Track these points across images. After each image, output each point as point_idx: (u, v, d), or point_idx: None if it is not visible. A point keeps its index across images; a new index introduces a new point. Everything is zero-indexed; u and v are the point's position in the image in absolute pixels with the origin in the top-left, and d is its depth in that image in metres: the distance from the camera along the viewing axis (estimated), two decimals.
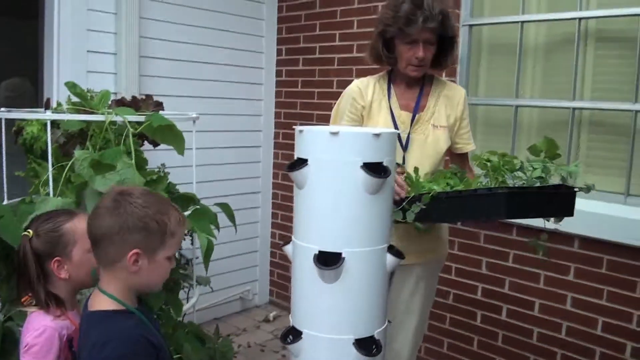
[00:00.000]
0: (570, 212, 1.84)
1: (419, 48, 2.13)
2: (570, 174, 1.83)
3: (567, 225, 2.89)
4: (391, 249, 1.56)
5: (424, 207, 1.75)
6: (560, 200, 1.80)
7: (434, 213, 1.79)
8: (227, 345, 2.37)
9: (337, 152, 1.43)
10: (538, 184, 1.78)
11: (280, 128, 4.37)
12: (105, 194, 1.54)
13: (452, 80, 3.31)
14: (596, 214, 2.84)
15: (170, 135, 2.00)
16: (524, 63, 3.25)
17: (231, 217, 2.37)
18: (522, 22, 3.19)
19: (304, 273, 1.51)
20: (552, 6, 3.15)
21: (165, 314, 2.27)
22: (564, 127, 3.08)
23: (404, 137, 2.21)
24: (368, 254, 1.48)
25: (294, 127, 1.64)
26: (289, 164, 1.48)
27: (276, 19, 4.31)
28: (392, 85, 2.28)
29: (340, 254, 1.45)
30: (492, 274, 3.27)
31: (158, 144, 2.30)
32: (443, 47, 2.22)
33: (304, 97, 4.17)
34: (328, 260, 1.45)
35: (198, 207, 2.20)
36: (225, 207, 2.36)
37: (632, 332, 2.80)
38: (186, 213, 2.15)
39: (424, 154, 2.22)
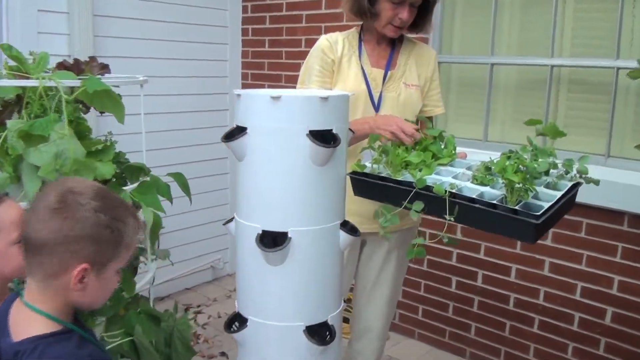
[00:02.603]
0: (573, 205, 1.74)
1: (404, 9, 1.99)
2: (581, 174, 1.69)
3: None
4: (345, 226, 1.41)
5: (451, 219, 1.56)
6: (572, 200, 1.68)
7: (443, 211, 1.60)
8: (185, 323, 2.23)
9: (279, 119, 1.26)
10: (552, 185, 1.66)
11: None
12: (48, 187, 1.25)
13: (425, 38, 3.15)
14: None
15: (109, 101, 1.81)
16: (500, 18, 3.08)
17: (185, 188, 2.20)
18: None
19: (248, 255, 1.35)
20: None
21: (115, 293, 2.11)
22: (542, 85, 2.94)
23: (375, 95, 2.09)
24: (318, 232, 1.33)
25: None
26: (226, 133, 1.30)
27: None
28: (362, 42, 2.13)
29: (285, 233, 1.29)
30: (467, 239, 3.16)
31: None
32: (424, 10, 2.08)
33: (272, 56, 3.98)
34: (272, 241, 1.29)
35: (147, 178, 2.03)
36: (177, 177, 2.19)
37: (613, 298, 2.72)
38: (132, 186, 1.99)
39: (397, 113, 2.07)
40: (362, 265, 2.22)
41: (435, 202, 1.58)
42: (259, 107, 1.26)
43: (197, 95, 3.91)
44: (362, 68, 2.09)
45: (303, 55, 3.66)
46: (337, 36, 2.13)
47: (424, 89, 2.16)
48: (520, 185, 1.54)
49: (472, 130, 3.21)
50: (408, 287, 3.41)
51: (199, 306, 3.86)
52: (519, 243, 2.98)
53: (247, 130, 1.27)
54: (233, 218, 1.43)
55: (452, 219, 1.57)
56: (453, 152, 1.89)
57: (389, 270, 2.23)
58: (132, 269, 2.29)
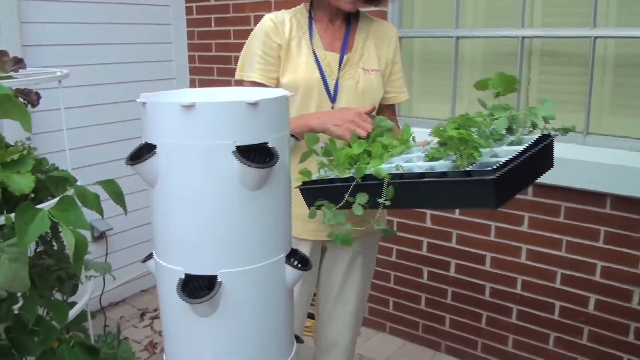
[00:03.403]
0: (552, 163, 1.47)
1: None
2: (546, 120, 1.43)
3: None
4: (293, 257, 1.13)
5: (387, 202, 1.34)
6: (544, 155, 1.41)
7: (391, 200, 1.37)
8: (128, 351, 1.98)
9: (196, 134, 0.96)
10: (517, 143, 1.40)
11: (196, 74, 3.86)
12: None
13: (383, 11, 2.88)
14: None
15: (12, 107, 1.51)
16: None
17: (117, 197, 1.91)
18: None
19: (172, 303, 1.06)
20: None
21: (45, 324, 1.81)
22: (512, 58, 2.69)
23: (331, 83, 1.80)
24: (256, 272, 1.05)
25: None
26: (131, 154, 1.01)
27: None
28: (312, 21, 1.84)
29: (214, 277, 1.01)
30: (438, 227, 2.95)
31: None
32: None
33: (219, 36, 3.66)
34: (198, 287, 1.02)
35: (67, 193, 1.74)
36: (108, 185, 1.89)
37: (595, 284, 2.54)
38: (50, 203, 1.70)
39: (356, 104, 1.80)
40: (324, 275, 1.98)
41: (382, 192, 1.36)
42: (169, 118, 0.96)
43: (140, 82, 3.58)
44: (314, 52, 1.80)
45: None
46: (284, 15, 1.83)
47: (385, 73, 1.90)
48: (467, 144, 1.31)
49: (438, 110, 2.97)
50: (377, 280, 3.21)
51: (155, 310, 3.59)
52: (492, 230, 2.77)
53: (157, 149, 1.00)
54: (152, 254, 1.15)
55: (387, 202, 1.34)
56: (409, 140, 1.63)
57: (354, 278, 1.98)
58: (70, 289, 2.03)
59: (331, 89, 1.80)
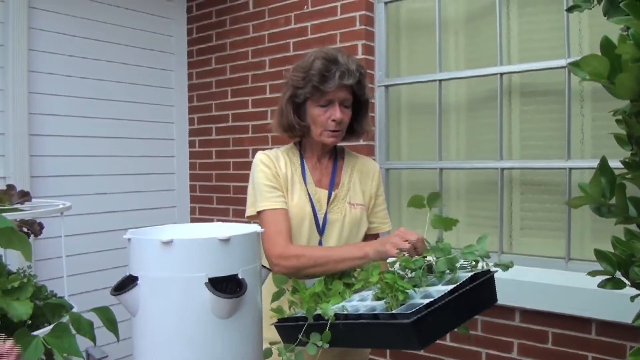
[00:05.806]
0: (495, 298, 1.50)
1: (335, 109, 1.85)
2: (482, 258, 1.49)
3: (504, 297, 2.63)
4: None
5: (326, 345, 1.40)
6: (482, 292, 1.44)
7: (336, 340, 1.42)
8: None
9: (172, 267, 1.07)
10: (453, 281, 1.42)
11: (195, 181, 4.05)
12: None
13: (371, 145, 3.07)
14: (536, 283, 2.58)
15: (14, 238, 1.62)
16: (446, 122, 3.02)
17: (111, 324, 1.97)
18: (440, 80, 2.97)
19: None
20: (471, 62, 2.95)
21: None
22: (493, 187, 2.83)
23: (320, 217, 1.91)
24: None
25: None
26: (116, 285, 1.13)
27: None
28: (304, 160, 1.99)
29: None
30: (429, 354, 2.95)
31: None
32: (356, 112, 1.95)
33: (219, 145, 3.90)
34: None
35: (62, 320, 1.81)
36: (102, 312, 1.96)
37: None
38: (45, 330, 1.77)
39: (343, 237, 1.92)
40: None
41: (331, 331, 1.41)
42: (149, 253, 1.08)
43: (141, 211, 3.75)
44: (307, 188, 1.93)
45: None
46: (277, 151, 1.97)
47: (369, 206, 2.02)
48: (392, 288, 1.37)
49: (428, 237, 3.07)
50: None
51: None
52: (484, 357, 2.78)
53: (139, 281, 1.10)
54: None
55: (324, 344, 1.40)
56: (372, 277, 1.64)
57: None
58: None
59: (320, 222, 1.90)
